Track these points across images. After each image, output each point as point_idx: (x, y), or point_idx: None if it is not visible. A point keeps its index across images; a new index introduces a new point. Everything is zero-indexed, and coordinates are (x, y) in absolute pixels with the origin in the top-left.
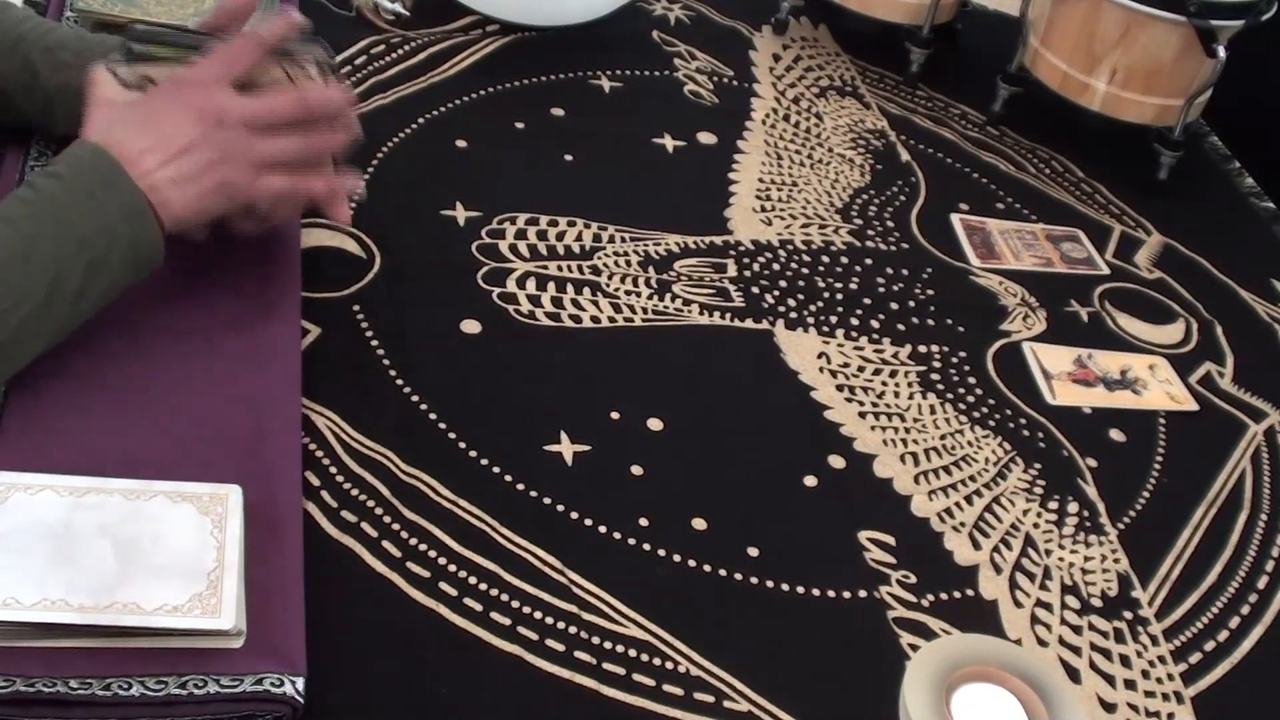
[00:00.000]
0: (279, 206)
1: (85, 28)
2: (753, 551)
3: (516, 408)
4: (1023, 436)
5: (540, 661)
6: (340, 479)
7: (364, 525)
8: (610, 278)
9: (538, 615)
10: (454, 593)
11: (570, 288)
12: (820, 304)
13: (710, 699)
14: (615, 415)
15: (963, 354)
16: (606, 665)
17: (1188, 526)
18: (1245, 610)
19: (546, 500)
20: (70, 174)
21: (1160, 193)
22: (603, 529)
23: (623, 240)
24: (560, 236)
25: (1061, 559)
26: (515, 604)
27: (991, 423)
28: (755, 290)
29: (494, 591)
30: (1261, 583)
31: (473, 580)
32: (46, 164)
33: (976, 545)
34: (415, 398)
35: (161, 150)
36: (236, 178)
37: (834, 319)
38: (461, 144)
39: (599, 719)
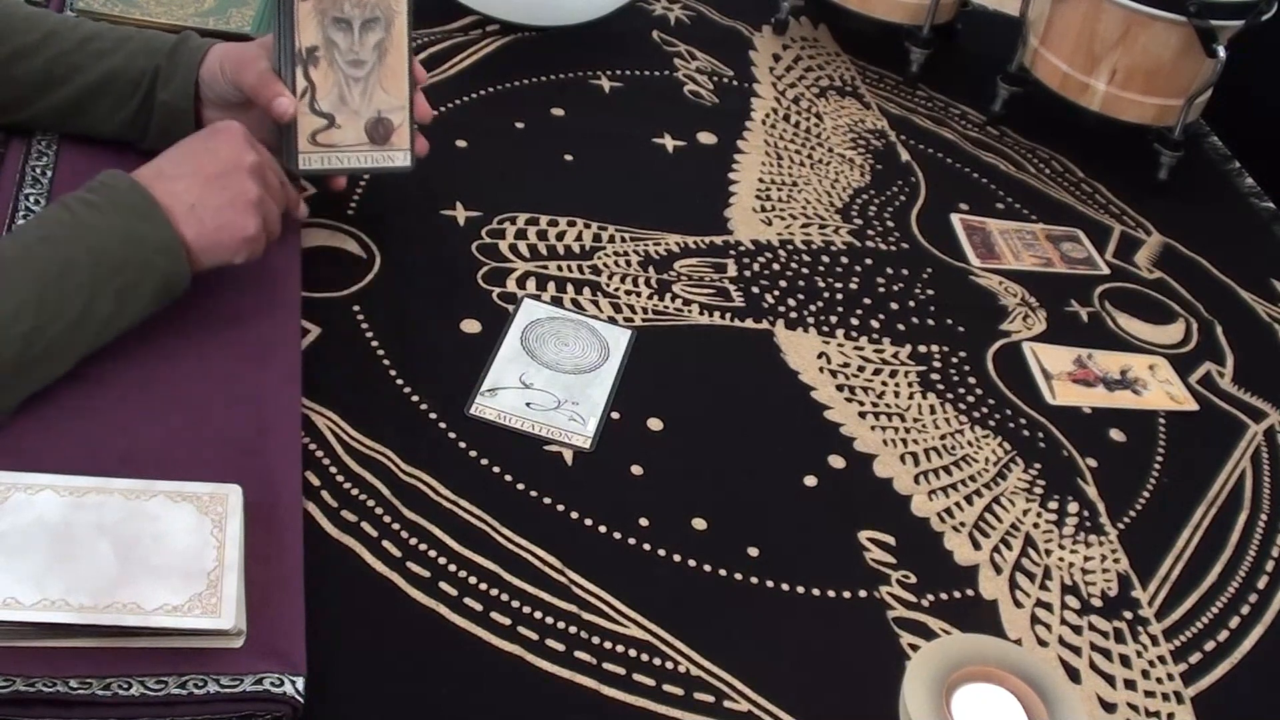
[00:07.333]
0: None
1: None
2: (753, 551)
3: None
4: (1023, 436)
5: (540, 661)
6: (340, 479)
7: (364, 525)
8: (610, 278)
9: (538, 615)
10: (454, 593)
11: (570, 288)
12: (820, 304)
13: (710, 699)
14: (615, 415)
15: (963, 354)
16: (606, 665)
17: (1188, 526)
18: (1245, 610)
19: (546, 500)
20: (108, 205)
21: (1160, 193)
22: (603, 529)
23: (623, 240)
24: (560, 236)
25: (1061, 559)
26: (515, 604)
27: (991, 423)
28: (755, 290)
29: (494, 591)
30: (1261, 583)
31: (473, 580)
32: (81, 190)
33: (976, 545)
34: (415, 398)
35: (195, 182)
36: (243, 217)
37: (834, 319)
38: (461, 144)
39: (599, 719)
